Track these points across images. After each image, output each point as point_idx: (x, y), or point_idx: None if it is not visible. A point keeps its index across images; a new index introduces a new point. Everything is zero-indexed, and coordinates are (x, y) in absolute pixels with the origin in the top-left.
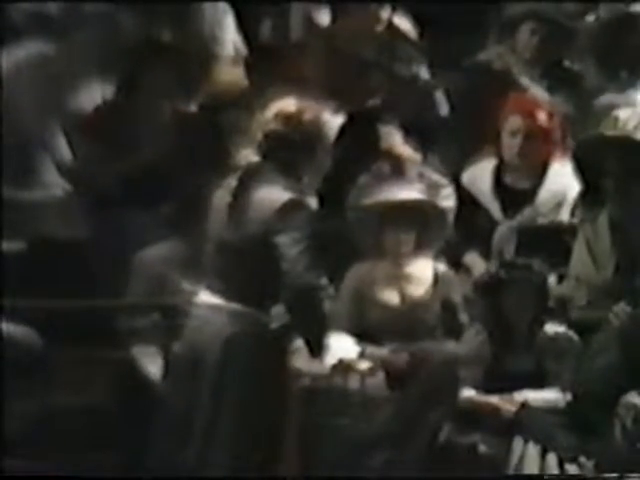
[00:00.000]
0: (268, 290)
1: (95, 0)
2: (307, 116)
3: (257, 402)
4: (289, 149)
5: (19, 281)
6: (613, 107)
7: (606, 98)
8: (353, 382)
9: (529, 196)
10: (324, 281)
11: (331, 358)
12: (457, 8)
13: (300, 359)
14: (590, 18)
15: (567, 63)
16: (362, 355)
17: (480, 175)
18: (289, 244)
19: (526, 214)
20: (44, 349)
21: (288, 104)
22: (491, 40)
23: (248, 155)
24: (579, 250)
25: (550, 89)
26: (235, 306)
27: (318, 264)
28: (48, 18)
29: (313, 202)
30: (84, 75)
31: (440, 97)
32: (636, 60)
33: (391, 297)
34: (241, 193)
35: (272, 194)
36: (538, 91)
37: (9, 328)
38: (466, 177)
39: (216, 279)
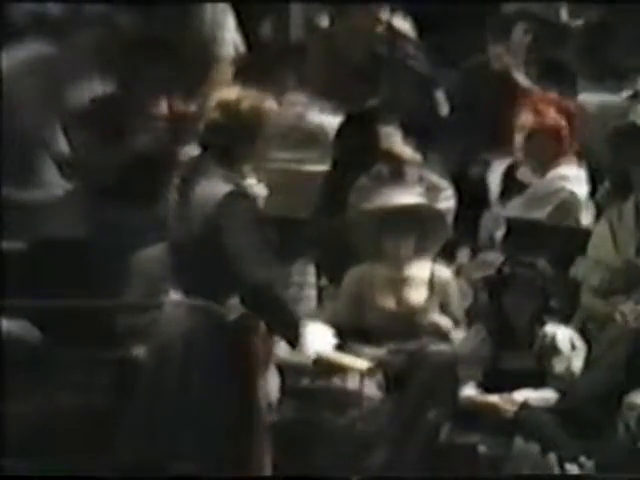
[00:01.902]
0: (221, 283)
1: (95, 0)
2: (245, 104)
3: (220, 396)
4: (227, 138)
5: (19, 281)
6: (607, 106)
7: (600, 97)
8: (352, 382)
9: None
10: (276, 272)
11: (310, 347)
12: (456, 9)
13: (282, 351)
14: (577, 22)
15: (564, 62)
16: (360, 355)
17: (492, 173)
18: (234, 236)
19: (515, 203)
20: (44, 349)
21: (228, 93)
22: (490, 40)
23: (191, 150)
24: (600, 232)
25: (547, 88)
26: (192, 301)
27: (268, 256)
28: (48, 18)
29: (261, 189)
30: (84, 75)
31: (440, 97)
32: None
33: (389, 300)
34: (184, 190)
35: (212, 188)
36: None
37: (9, 328)
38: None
39: (176, 277)
